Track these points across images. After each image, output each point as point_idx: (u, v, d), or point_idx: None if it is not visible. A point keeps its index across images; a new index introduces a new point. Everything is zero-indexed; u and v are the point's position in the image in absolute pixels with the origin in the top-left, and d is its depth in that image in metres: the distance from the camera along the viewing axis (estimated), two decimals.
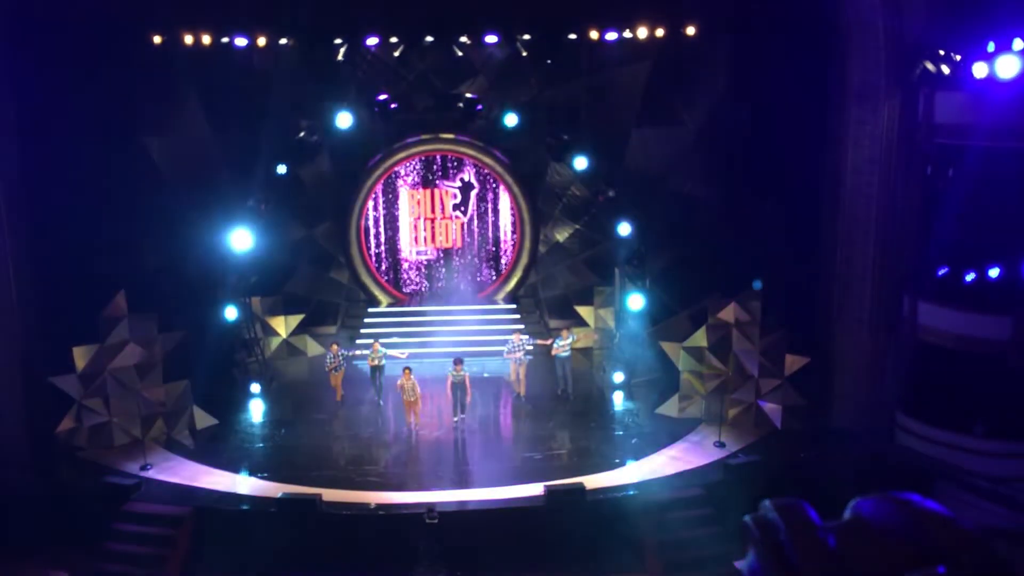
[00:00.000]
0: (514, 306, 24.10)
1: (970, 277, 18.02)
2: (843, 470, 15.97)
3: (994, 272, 18.20)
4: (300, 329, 23.53)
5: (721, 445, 17.81)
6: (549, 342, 20.23)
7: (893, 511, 1.21)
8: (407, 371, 18.34)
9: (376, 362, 19.75)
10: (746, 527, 1.24)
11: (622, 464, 17.36)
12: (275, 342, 23.16)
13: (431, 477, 16.96)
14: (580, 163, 20.47)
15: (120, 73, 19.72)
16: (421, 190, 24.38)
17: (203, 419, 18.88)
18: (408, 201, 24.45)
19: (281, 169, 20.33)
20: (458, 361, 18.64)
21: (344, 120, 20.18)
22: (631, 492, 16.20)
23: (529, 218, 24.08)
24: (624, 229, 20.12)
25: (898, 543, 1.16)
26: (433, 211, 24.47)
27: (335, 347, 20.23)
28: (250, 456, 18.00)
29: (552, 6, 21.44)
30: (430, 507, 15.18)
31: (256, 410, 19.97)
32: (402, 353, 20.02)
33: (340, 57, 21.81)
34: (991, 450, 16.62)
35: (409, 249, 24.67)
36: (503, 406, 20.22)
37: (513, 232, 24.50)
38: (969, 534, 1.19)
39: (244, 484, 16.81)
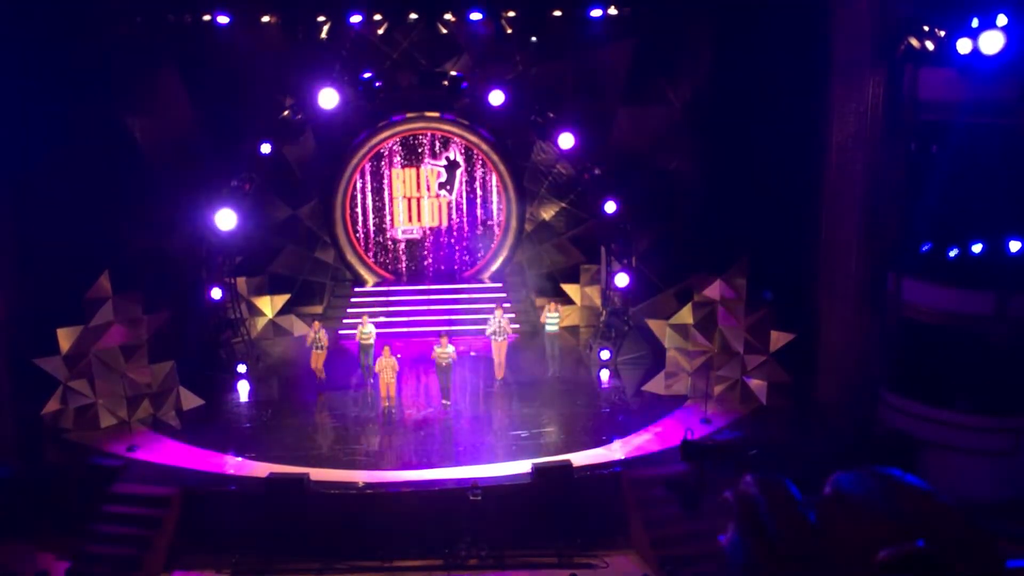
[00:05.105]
0: (500, 284, 24.09)
1: (953, 253, 18.12)
2: (827, 445, 16.09)
3: (977, 248, 18.30)
4: (286, 309, 23.46)
5: (707, 421, 17.91)
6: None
7: (873, 485, 1.22)
8: (386, 349, 18.35)
9: (365, 340, 19.69)
10: (727, 502, 1.24)
11: (609, 441, 17.43)
12: (261, 322, 23.10)
13: (419, 456, 17.00)
14: (566, 141, 20.41)
15: (101, 51, 19.51)
16: (406, 169, 24.28)
17: (189, 400, 18.84)
18: (393, 180, 24.34)
19: (265, 148, 20.19)
20: (442, 335, 18.47)
21: (328, 98, 20.02)
22: (618, 469, 16.28)
23: (515, 196, 24.03)
24: (610, 207, 20.11)
25: (878, 517, 1.17)
26: (419, 190, 24.38)
27: (317, 324, 20.13)
28: (237, 436, 17.99)
29: None
30: (475, 482, 15.20)
31: (242, 390, 19.93)
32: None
33: (324, 35, 21.63)
34: (974, 424, 16.77)
35: (395, 228, 24.58)
36: (489, 385, 20.22)
37: (499, 210, 24.45)
38: (949, 508, 1.20)
39: (231, 464, 16.81)
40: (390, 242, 24.67)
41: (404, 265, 24.76)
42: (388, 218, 24.50)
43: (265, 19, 21.39)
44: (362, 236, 24.54)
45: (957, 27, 15.80)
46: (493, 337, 19.81)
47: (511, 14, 21.71)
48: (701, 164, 21.31)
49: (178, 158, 20.93)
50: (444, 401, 18.57)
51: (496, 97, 20.52)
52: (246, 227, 20.15)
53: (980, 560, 1.16)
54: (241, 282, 22.00)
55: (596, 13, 21.50)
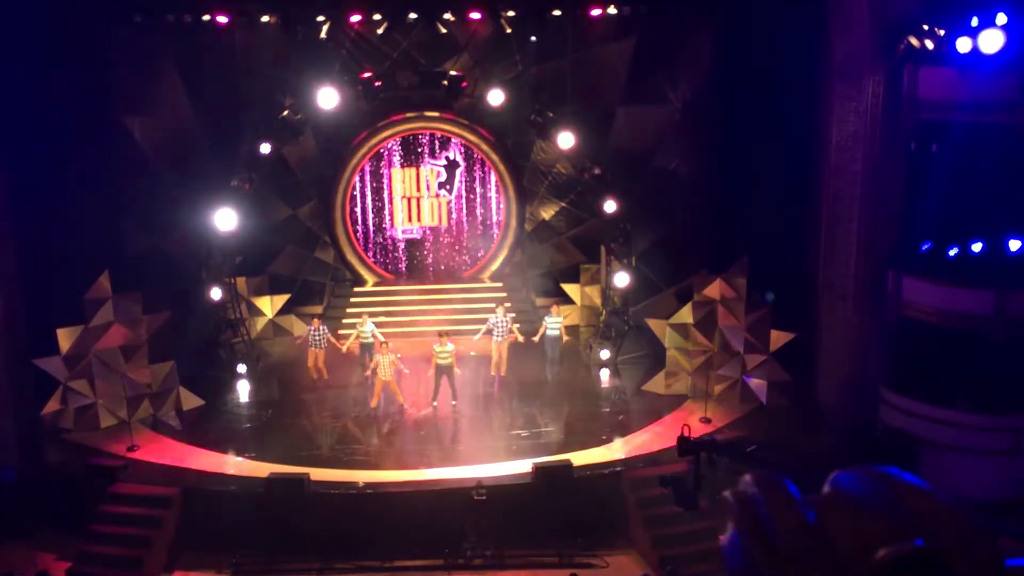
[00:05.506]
0: (500, 284, 24.08)
1: (953, 252, 18.13)
2: (826, 445, 16.10)
3: (977, 247, 18.30)
4: (286, 309, 23.46)
5: (707, 421, 17.92)
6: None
7: (872, 484, 1.21)
8: (384, 346, 18.33)
9: (364, 339, 19.66)
10: (726, 502, 1.23)
11: (609, 441, 17.44)
12: (261, 322, 23.09)
13: (419, 456, 17.00)
14: (565, 140, 20.41)
15: (100, 52, 19.52)
16: (406, 169, 24.27)
17: (189, 400, 18.84)
18: (393, 180, 24.33)
19: (265, 148, 20.19)
20: (442, 334, 18.45)
21: (328, 98, 20.02)
22: (618, 468, 16.29)
23: (515, 196, 24.01)
24: (610, 207, 20.12)
25: (877, 516, 1.17)
26: (418, 190, 24.37)
27: (316, 321, 20.08)
28: (237, 436, 17.99)
29: None
30: (479, 482, 15.20)
31: (242, 390, 19.92)
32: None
33: (323, 35, 21.62)
34: (974, 423, 16.78)
35: (394, 228, 24.57)
36: (489, 384, 20.21)
37: (499, 210, 24.43)
38: (948, 506, 1.19)
39: (231, 464, 16.81)
40: (390, 242, 24.66)
41: (404, 265, 24.76)
42: (388, 218, 24.50)
43: (265, 19, 21.38)
44: (362, 236, 24.53)
45: (957, 26, 15.80)
46: (493, 336, 19.77)
47: (511, 14, 21.68)
48: (701, 164, 21.31)
49: (178, 158, 20.93)
50: (453, 401, 18.55)
51: (496, 97, 20.52)
52: (246, 227, 20.15)
53: (980, 559, 1.16)
54: (241, 282, 21.98)
55: (596, 12, 21.49)
